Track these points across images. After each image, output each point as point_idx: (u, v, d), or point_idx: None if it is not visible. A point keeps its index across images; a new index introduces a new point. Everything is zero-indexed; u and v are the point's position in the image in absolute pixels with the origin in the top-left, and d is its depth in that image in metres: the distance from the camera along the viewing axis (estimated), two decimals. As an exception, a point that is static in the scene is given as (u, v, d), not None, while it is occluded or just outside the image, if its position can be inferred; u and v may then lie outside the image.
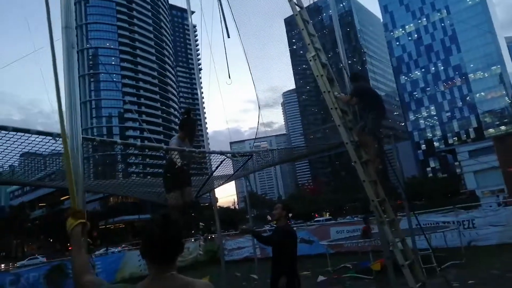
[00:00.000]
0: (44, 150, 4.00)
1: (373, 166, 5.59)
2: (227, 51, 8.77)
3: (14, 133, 3.41)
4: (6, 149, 3.70)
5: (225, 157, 5.56)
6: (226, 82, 8.87)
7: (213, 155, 6.06)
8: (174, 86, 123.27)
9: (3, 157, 3.99)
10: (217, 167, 5.36)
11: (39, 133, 3.44)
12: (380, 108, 5.86)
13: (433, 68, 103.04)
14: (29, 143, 3.63)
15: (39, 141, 3.63)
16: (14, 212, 62.14)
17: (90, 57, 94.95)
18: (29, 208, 67.28)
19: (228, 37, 9.61)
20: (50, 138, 3.27)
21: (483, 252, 10.02)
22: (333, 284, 8.50)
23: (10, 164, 4.86)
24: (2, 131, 3.31)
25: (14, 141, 3.51)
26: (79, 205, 2.72)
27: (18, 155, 4.19)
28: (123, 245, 42.29)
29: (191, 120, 5.72)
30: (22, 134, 3.45)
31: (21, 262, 31.66)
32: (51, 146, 3.82)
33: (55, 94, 2.61)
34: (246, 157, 5.54)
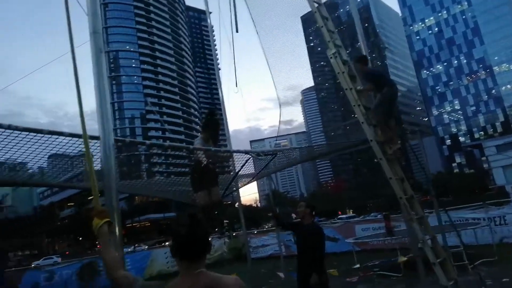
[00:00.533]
0: (71, 151, 4.14)
1: (392, 145, 5.49)
2: (244, 51, 8.82)
3: (49, 135, 3.54)
4: (35, 150, 3.83)
5: (250, 156, 5.61)
6: (234, 91, 8.91)
7: (236, 154, 6.12)
8: (193, 86, 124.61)
9: (33, 158, 4.13)
10: (242, 166, 5.41)
11: (72, 135, 3.57)
12: (392, 89, 5.70)
13: (456, 62, 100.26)
14: (57, 145, 3.75)
15: (66, 143, 3.75)
16: (44, 212, 64.27)
17: (112, 60, 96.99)
18: (58, 208, 69.41)
19: (237, 31, 9.67)
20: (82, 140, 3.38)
21: (516, 250, 9.71)
22: (361, 282, 8.42)
23: (39, 165, 5.03)
24: (38, 134, 3.45)
25: (43, 143, 3.62)
26: (108, 205, 2.80)
27: (47, 156, 4.33)
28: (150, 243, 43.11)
29: (215, 121, 5.79)
30: (57, 136, 3.59)
31: (37, 262, 32.72)
32: (77, 147, 3.95)
33: (76, 96, 2.70)
34: (271, 156, 5.56)
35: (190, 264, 1.65)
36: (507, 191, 41.95)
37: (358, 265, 8.96)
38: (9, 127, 3.04)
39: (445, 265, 4.93)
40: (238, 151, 5.91)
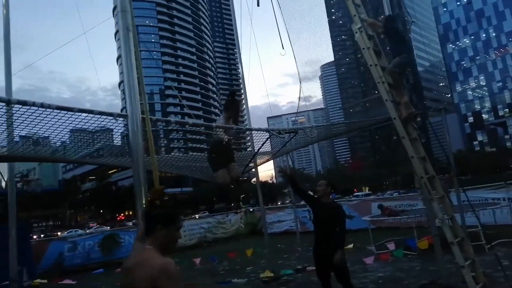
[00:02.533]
0: (94, 127, 4.21)
1: (405, 110, 5.46)
2: (267, 24, 8.67)
3: (80, 113, 3.60)
4: (60, 126, 3.89)
5: (270, 134, 5.62)
6: (280, 53, 8.80)
7: (255, 132, 6.14)
8: (212, 62, 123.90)
9: (57, 134, 4.23)
10: (263, 144, 5.44)
11: (101, 113, 3.64)
12: (409, 54, 5.77)
13: (484, 35, 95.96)
14: (80, 121, 3.80)
15: (90, 119, 3.79)
16: (67, 185, 66.39)
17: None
18: (80, 181, 71.61)
19: (258, 5, 9.51)
20: (111, 117, 3.47)
21: (535, 230, 9.57)
22: (377, 259, 8.51)
23: (62, 141, 5.16)
24: (69, 112, 3.51)
25: (66, 120, 3.68)
26: (135, 179, 2.90)
27: (68, 132, 4.43)
28: None
29: (236, 101, 5.84)
30: (86, 114, 3.66)
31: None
32: (100, 123, 4.01)
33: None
34: (291, 134, 5.57)
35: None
36: (530, 171, 40.94)
37: (372, 244, 9.02)
38: (41, 105, 3.13)
39: (463, 245, 4.92)
40: (259, 129, 5.92)
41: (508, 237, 8.79)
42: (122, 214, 65.46)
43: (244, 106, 8.98)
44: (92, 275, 9.94)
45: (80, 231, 26.94)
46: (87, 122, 3.91)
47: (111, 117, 3.46)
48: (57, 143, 5.08)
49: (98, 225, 48.83)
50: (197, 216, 25.32)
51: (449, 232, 4.81)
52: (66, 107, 3.23)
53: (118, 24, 3.30)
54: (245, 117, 9.77)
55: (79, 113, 3.38)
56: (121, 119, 3.49)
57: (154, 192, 2.18)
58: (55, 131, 4.03)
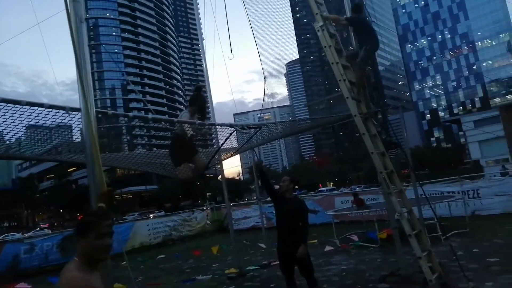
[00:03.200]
0: (51, 123, 4.02)
1: (360, 90, 5.71)
2: (230, 22, 8.61)
3: (28, 107, 3.41)
4: (13, 121, 3.71)
5: (234, 130, 5.59)
6: (228, 57, 8.69)
7: (220, 127, 6.09)
8: (176, 57, 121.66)
9: (10, 130, 4.01)
10: (226, 139, 5.40)
11: (52, 106, 3.46)
12: (374, 43, 5.88)
13: (440, 36, 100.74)
14: (36, 116, 3.63)
15: (46, 114, 3.62)
16: (23, 183, 63.24)
17: (91, 27, 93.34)
18: (37, 180, 68.37)
19: None
20: (63, 111, 3.29)
21: (487, 222, 10.17)
22: (339, 252, 8.71)
23: (17, 137, 4.89)
24: (16, 105, 3.33)
25: (21, 114, 3.51)
26: (90, 177, 2.76)
27: (24, 128, 4.21)
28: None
29: (201, 97, 5.82)
30: (36, 108, 3.47)
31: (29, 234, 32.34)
32: (58, 119, 3.83)
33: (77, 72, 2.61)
34: (255, 129, 5.57)
35: None
36: (481, 165, 43.50)
37: (335, 237, 9.24)
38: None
39: (420, 236, 5.14)
40: (222, 124, 5.88)
41: (462, 228, 9.29)
42: (83, 214, 63.20)
43: (208, 102, 8.90)
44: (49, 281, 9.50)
45: (17, 235, 25.10)
46: (43, 118, 3.72)
47: (64, 111, 3.29)
48: (11, 139, 4.81)
49: (39, 229, 44.55)
50: (151, 215, 24.91)
51: (407, 225, 5.00)
52: (13, 99, 3.03)
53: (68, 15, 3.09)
54: (210, 113, 9.67)
55: (28, 107, 3.18)
56: (76, 113, 3.33)
57: (100, 195, 2.09)
58: (7, 127, 3.82)
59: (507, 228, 8.84)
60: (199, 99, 5.66)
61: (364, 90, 5.89)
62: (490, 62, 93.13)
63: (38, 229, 44.30)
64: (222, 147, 6.50)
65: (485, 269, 5.82)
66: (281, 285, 5.58)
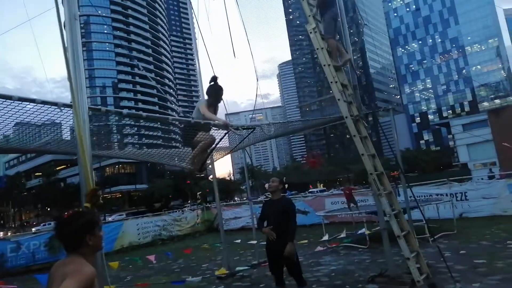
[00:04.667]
0: (45, 120, 3.96)
1: (342, 57, 5.90)
2: (223, 22, 8.60)
3: (18, 102, 3.35)
4: (2, 116, 3.64)
5: (229, 130, 5.56)
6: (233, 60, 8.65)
7: (213, 127, 6.07)
8: (168, 56, 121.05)
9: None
10: (221, 139, 5.37)
11: (44, 102, 3.40)
12: (332, 10, 6.01)
13: (430, 41, 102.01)
14: (25, 112, 3.56)
15: (35, 110, 3.57)
16: (10, 181, 62.32)
17: (82, 25, 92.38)
18: (25, 178, 67.44)
19: None
20: (56, 107, 3.25)
21: (474, 224, 10.33)
22: (328, 253, 8.76)
23: (3, 133, 4.81)
24: (7, 100, 3.26)
25: (11, 109, 3.44)
26: (82, 174, 2.73)
27: (13, 124, 4.14)
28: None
29: (218, 87, 5.33)
30: (27, 103, 3.41)
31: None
32: (49, 114, 3.77)
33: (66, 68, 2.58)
34: (249, 130, 5.56)
35: (67, 252, 1.92)
36: (469, 168, 44.09)
37: (326, 237, 9.29)
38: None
39: (409, 238, 5.20)
40: (217, 125, 5.83)
41: (450, 230, 9.41)
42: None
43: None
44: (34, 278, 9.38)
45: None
46: (32, 114, 3.66)
47: (56, 107, 3.24)
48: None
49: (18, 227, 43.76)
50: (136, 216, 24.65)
51: (395, 226, 5.06)
52: (3, 94, 2.97)
53: (59, 13, 3.06)
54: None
55: (18, 102, 3.12)
56: (68, 108, 3.29)
57: (86, 195, 2.11)
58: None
59: (493, 230, 8.99)
60: (216, 89, 5.23)
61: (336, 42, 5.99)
62: (479, 66, 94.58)
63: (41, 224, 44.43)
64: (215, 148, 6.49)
65: (472, 270, 5.91)
66: (271, 285, 5.61)
